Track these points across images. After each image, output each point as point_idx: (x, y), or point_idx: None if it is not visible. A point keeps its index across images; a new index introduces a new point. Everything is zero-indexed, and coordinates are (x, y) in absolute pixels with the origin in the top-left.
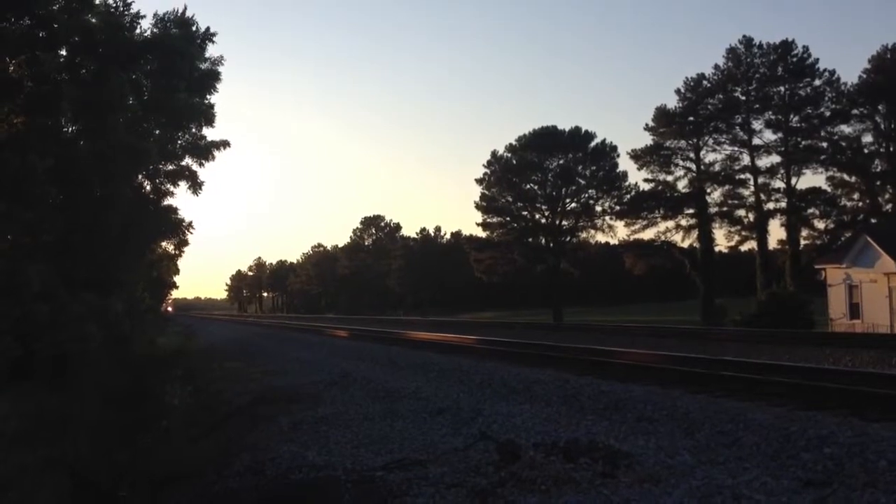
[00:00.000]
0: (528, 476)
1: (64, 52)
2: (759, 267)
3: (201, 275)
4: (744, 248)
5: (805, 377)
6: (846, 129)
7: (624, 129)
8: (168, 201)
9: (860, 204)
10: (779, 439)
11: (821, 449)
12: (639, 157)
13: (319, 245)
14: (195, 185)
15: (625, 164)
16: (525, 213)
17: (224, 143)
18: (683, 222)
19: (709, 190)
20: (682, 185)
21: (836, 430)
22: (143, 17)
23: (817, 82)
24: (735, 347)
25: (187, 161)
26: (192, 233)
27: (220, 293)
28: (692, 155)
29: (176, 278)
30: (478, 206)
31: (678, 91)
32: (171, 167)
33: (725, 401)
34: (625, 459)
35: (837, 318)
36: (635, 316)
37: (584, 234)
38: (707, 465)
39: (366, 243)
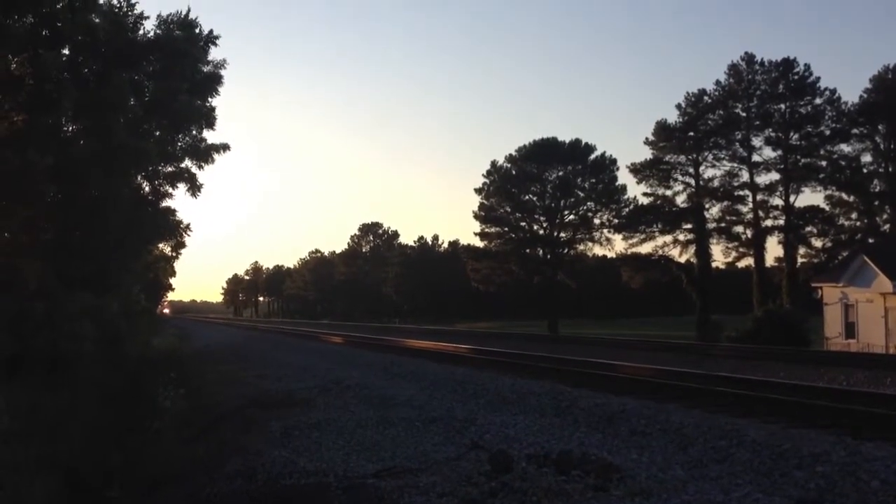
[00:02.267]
0: (519, 487)
1: (66, 51)
2: (756, 284)
3: (197, 278)
4: (741, 264)
5: (799, 395)
6: (846, 148)
7: (624, 143)
8: (167, 203)
9: (858, 223)
10: (772, 456)
11: (813, 467)
12: (638, 170)
13: (317, 251)
14: (194, 188)
15: (624, 177)
16: (523, 223)
17: (224, 147)
18: (681, 237)
19: (707, 205)
20: (680, 200)
21: (829, 449)
22: (147, 17)
23: (818, 101)
24: (730, 364)
25: (187, 163)
26: (189, 235)
27: (216, 296)
28: (691, 170)
29: (172, 280)
30: (476, 216)
31: (679, 106)
32: (170, 169)
33: (719, 416)
34: (617, 473)
35: (833, 337)
36: (631, 329)
37: (581, 247)
38: (699, 480)
39: (363, 250)
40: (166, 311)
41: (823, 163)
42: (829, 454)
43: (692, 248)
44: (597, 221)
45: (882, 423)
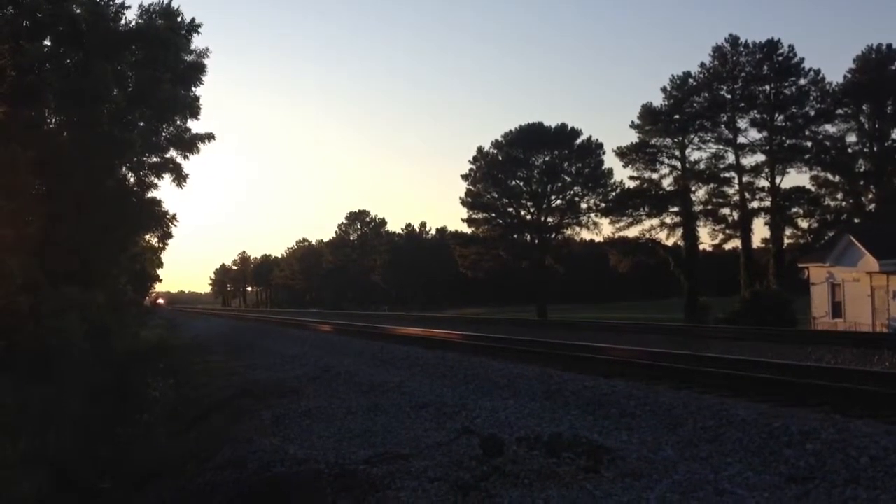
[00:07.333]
0: (511, 470)
1: (48, 42)
2: (743, 265)
3: (185, 268)
4: (728, 246)
5: (788, 374)
6: (830, 128)
7: (610, 127)
8: (152, 194)
9: (843, 203)
10: (761, 435)
11: (803, 445)
12: (624, 154)
13: (304, 240)
14: (179, 178)
15: (610, 161)
16: (510, 209)
17: (209, 136)
18: (668, 220)
19: (694, 188)
20: (667, 183)
21: (818, 427)
22: (129, 7)
23: (802, 82)
24: (718, 344)
25: (172, 153)
26: (175, 226)
27: (204, 287)
28: (677, 153)
29: (160, 272)
30: (463, 202)
31: (664, 89)
32: (155, 159)
33: (708, 397)
34: (608, 454)
35: (820, 317)
36: (619, 313)
37: (569, 231)
38: (690, 460)
39: (351, 238)
40: (160, 301)
41: (809, 143)
42: (818, 432)
43: (679, 231)
44: (584, 206)
45: (870, 400)
